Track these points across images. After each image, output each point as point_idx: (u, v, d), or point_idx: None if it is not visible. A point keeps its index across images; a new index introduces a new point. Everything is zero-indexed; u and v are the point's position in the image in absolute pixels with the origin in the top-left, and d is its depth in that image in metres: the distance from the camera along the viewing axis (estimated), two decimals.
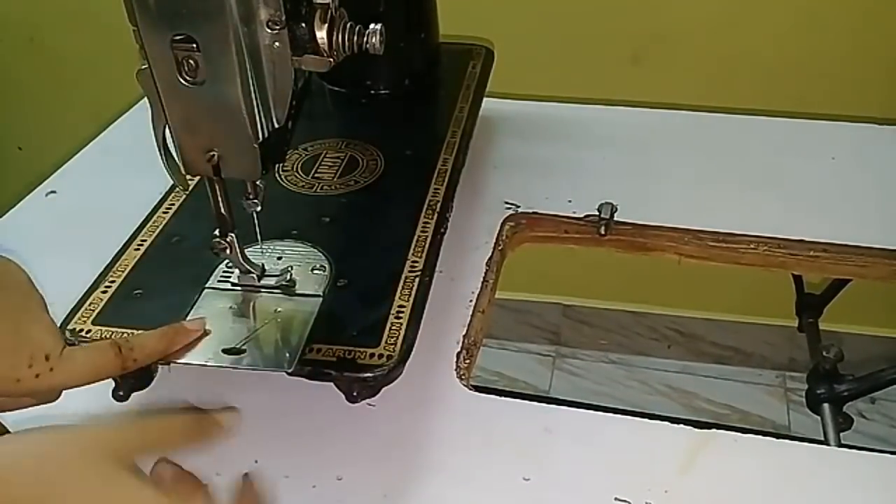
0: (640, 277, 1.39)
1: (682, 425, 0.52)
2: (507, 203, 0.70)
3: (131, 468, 0.37)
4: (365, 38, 0.44)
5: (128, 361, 0.46)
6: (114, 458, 0.37)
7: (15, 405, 0.44)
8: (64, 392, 0.45)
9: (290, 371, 0.47)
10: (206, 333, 0.49)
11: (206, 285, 0.53)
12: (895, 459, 0.50)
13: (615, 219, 0.68)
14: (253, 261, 0.52)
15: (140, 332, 0.48)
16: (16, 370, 0.41)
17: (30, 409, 0.44)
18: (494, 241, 0.66)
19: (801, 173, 0.74)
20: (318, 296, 0.52)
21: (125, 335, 0.49)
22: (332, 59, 0.44)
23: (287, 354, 0.47)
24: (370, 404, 0.52)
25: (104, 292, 0.53)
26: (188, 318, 0.50)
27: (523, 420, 0.53)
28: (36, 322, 0.43)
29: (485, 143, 0.78)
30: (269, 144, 0.45)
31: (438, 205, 0.60)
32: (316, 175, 0.64)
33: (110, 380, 0.49)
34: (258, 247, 0.54)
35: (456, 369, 0.56)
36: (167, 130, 0.45)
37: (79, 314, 0.51)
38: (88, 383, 0.45)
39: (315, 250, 0.56)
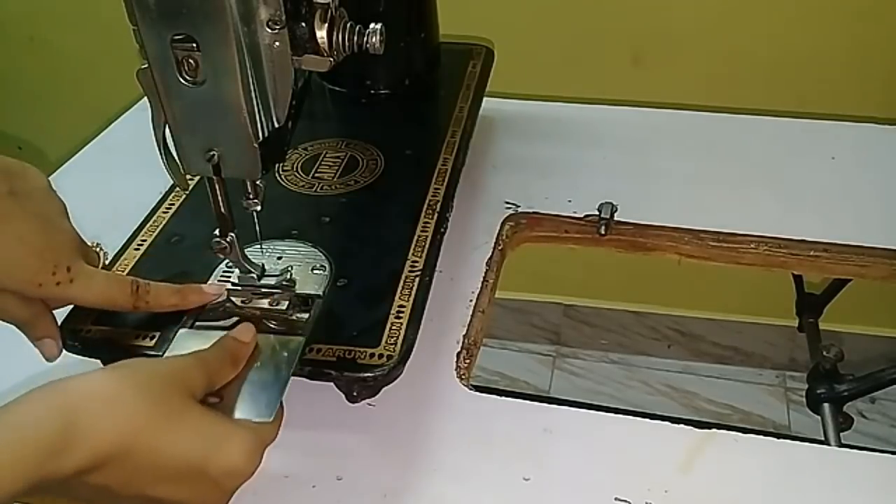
0: (640, 277, 1.39)
1: (682, 425, 0.52)
2: (507, 203, 0.70)
3: (196, 400, 0.41)
4: (365, 38, 0.44)
5: (140, 301, 0.48)
6: (188, 393, 0.40)
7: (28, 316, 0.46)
8: None
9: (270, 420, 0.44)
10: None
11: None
12: (895, 459, 0.50)
13: (615, 219, 0.68)
14: (253, 261, 0.52)
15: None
16: (39, 275, 0.43)
17: None
18: (494, 240, 0.66)
19: (801, 173, 0.74)
20: (307, 323, 0.50)
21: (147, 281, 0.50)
22: (332, 59, 0.44)
23: (266, 401, 0.44)
24: (370, 404, 0.52)
25: None
26: (165, 355, 0.48)
27: (523, 420, 0.53)
28: (61, 231, 0.46)
29: (485, 143, 0.78)
30: (269, 144, 0.45)
31: (438, 204, 0.60)
32: (316, 175, 0.64)
33: None
34: (258, 247, 0.54)
35: (456, 369, 0.56)
36: (167, 130, 0.45)
37: (79, 314, 0.51)
38: (100, 307, 0.48)
39: (315, 250, 0.56)
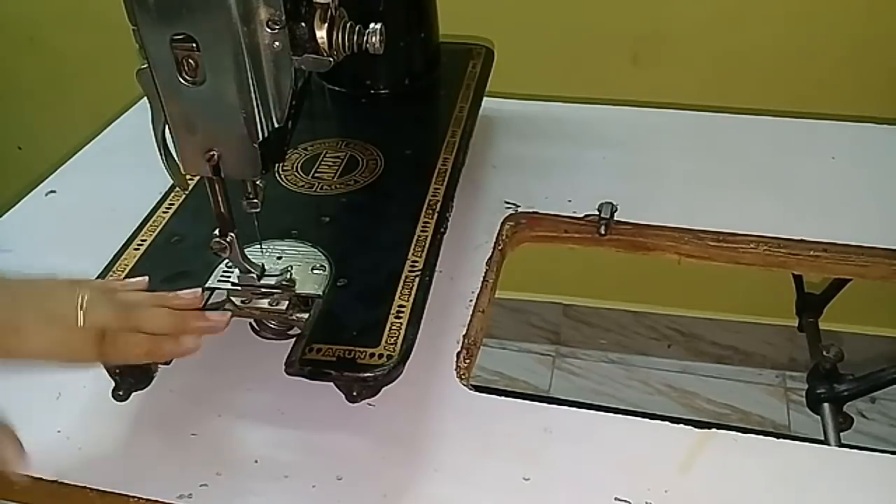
0: (640, 277, 1.39)
1: (682, 425, 0.52)
2: (506, 203, 0.70)
3: None
4: (365, 38, 0.44)
5: (108, 348, 0.45)
6: None
7: None
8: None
9: None
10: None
11: (206, 285, 0.53)
12: (895, 459, 0.50)
13: (615, 219, 0.68)
14: (253, 261, 0.52)
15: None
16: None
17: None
18: (494, 240, 0.66)
19: (801, 173, 0.74)
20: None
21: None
22: (332, 59, 0.44)
23: None
24: (370, 404, 0.52)
25: None
26: None
27: (523, 420, 0.53)
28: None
29: (485, 143, 0.78)
30: (269, 144, 0.45)
31: (438, 204, 0.60)
32: (316, 175, 0.64)
33: (110, 379, 0.49)
34: (258, 247, 0.54)
35: (456, 369, 0.56)
36: (167, 130, 0.45)
37: None
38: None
39: (315, 250, 0.56)
